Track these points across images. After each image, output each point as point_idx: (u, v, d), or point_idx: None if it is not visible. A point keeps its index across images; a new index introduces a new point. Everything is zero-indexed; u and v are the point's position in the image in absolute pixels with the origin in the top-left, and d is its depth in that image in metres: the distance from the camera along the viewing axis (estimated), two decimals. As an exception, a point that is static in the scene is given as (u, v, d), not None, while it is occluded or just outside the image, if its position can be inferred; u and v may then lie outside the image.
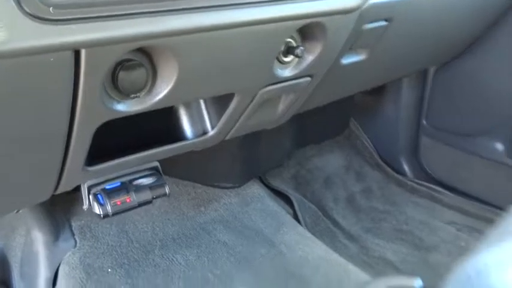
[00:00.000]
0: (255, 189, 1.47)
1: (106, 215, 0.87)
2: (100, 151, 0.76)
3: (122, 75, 0.63)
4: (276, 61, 0.82)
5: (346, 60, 1.03)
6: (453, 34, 1.33)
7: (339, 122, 1.77)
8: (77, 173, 0.74)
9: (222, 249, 1.24)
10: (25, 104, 0.57)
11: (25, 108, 0.57)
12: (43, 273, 1.09)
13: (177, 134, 0.90)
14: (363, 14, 0.90)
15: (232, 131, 0.95)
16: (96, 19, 0.55)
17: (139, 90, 0.67)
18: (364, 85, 1.34)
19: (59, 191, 0.78)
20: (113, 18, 0.56)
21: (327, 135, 1.74)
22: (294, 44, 0.82)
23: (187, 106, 0.89)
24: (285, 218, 1.38)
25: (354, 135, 1.76)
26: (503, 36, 1.39)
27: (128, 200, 0.90)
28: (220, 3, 0.65)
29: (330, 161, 1.68)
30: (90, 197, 0.87)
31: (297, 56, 0.80)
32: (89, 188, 0.87)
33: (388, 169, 1.67)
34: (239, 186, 1.46)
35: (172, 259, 1.19)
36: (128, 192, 0.91)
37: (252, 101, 0.87)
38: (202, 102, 0.89)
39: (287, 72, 0.86)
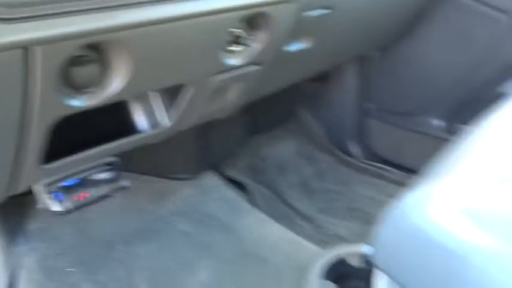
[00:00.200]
0: (211, 180, 1.49)
1: (67, 211, 0.87)
2: (58, 150, 0.76)
3: (74, 71, 0.64)
4: (224, 51, 0.85)
5: (292, 47, 1.07)
6: (388, 20, 1.40)
7: (289, 109, 1.81)
8: (33, 171, 0.74)
9: (183, 239, 1.26)
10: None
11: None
12: (0, 280, 1.07)
13: (132, 128, 0.91)
14: (304, 2, 0.94)
15: (186, 121, 0.97)
16: (46, 17, 0.55)
17: (93, 85, 0.68)
18: (310, 72, 1.39)
19: (14, 192, 0.77)
20: (63, 15, 0.57)
21: (278, 123, 1.78)
22: (242, 34, 0.85)
23: (141, 99, 0.91)
24: (242, 205, 1.42)
25: (303, 122, 1.81)
26: (437, 21, 1.46)
27: (87, 195, 0.90)
28: (166, -3, 0.67)
29: (282, 147, 1.72)
30: (47, 195, 0.86)
31: (243, 44, 0.84)
32: (46, 187, 0.86)
33: (338, 152, 1.73)
34: (195, 177, 1.47)
35: (133, 253, 1.19)
36: (86, 188, 0.91)
37: (203, 90, 0.90)
38: (154, 94, 0.91)
39: (235, 61, 0.89)
